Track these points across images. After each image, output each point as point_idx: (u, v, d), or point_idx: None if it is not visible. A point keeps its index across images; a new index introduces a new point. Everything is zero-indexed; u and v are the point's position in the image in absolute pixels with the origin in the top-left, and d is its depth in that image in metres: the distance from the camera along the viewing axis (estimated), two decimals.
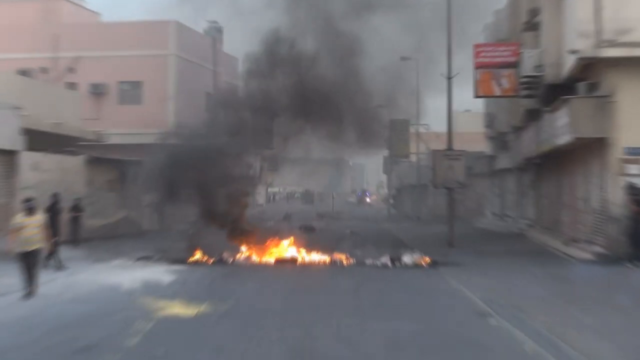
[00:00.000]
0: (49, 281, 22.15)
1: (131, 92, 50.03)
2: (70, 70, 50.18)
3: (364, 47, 35.98)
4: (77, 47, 50.27)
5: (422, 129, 74.37)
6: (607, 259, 25.75)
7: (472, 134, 74.82)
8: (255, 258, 29.31)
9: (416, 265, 26.97)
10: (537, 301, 18.15)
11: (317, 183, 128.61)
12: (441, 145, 45.01)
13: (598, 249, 26.86)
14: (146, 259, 28.90)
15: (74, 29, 52.05)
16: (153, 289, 20.18)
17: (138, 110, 46.69)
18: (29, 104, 35.45)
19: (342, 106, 35.23)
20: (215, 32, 55.89)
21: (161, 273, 24.07)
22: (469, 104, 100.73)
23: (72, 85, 49.28)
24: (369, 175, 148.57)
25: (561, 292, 19.81)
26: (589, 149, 28.41)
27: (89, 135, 42.06)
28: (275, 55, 35.25)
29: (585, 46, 26.59)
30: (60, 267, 25.09)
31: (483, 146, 58.00)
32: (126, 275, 23.33)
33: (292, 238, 32.84)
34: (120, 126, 47.12)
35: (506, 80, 34.57)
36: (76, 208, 33.67)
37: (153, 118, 46.06)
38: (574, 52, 27.17)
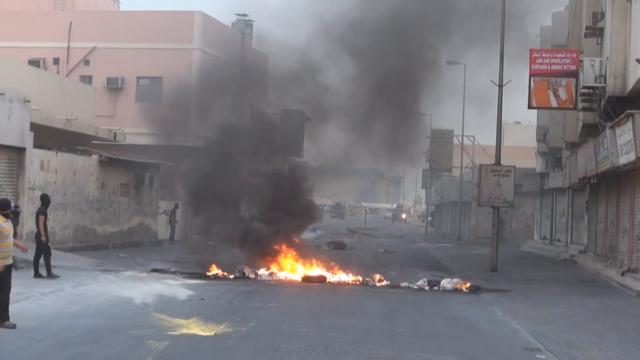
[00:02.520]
0: (55, 291, 22.18)
1: (150, 88, 50.03)
2: (85, 62, 50.39)
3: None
4: (93, 37, 50.41)
5: (467, 141, 74.14)
6: None
7: (522, 148, 74.60)
8: (280, 275, 29.22)
9: (456, 290, 26.78)
10: (591, 337, 17.87)
11: (349, 195, 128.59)
12: (488, 160, 44.82)
13: None
14: (161, 271, 28.96)
15: (90, 17, 52.22)
16: (167, 305, 20.14)
17: (157, 108, 46.52)
18: (40, 97, 35.55)
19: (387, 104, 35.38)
20: (245, 27, 55.78)
21: (177, 287, 24.08)
22: (519, 115, 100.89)
23: (86, 79, 49.43)
24: (405, 189, 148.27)
25: (618, 328, 19.50)
26: None
27: (103, 133, 42.15)
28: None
29: None
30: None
31: (532, 162, 57.61)
32: (138, 288, 23.34)
33: (321, 255, 32.80)
34: (137, 125, 47.01)
35: (564, 90, 34.13)
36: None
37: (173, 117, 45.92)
38: None
